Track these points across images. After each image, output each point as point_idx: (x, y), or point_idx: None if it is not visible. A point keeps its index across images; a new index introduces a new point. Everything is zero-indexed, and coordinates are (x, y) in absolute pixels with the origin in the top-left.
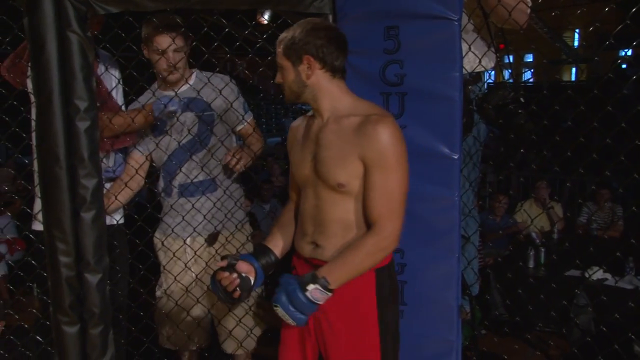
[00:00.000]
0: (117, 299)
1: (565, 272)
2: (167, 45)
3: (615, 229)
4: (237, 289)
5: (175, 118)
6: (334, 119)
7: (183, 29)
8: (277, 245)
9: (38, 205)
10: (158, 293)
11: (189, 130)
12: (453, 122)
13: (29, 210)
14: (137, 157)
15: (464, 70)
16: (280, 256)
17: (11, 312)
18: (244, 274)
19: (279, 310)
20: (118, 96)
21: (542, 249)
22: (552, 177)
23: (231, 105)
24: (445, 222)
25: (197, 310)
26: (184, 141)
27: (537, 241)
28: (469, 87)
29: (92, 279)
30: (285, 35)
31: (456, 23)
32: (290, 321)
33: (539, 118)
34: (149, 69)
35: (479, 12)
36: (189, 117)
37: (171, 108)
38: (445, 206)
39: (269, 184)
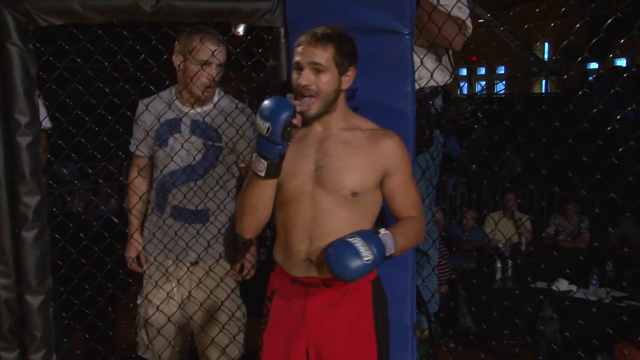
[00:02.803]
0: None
1: (532, 284)
2: (213, 58)
3: (581, 240)
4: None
5: (178, 142)
6: (338, 131)
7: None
8: None
9: None
10: (139, 300)
11: (193, 157)
12: (405, 137)
13: None
14: (141, 162)
15: (417, 85)
16: None
17: None
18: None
19: (353, 241)
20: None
21: (510, 261)
22: (522, 189)
23: (248, 140)
24: None
25: (180, 320)
26: (183, 164)
27: (505, 253)
28: (429, 102)
29: (34, 301)
30: (334, 35)
31: (407, 37)
32: (359, 261)
33: (503, 130)
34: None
35: (430, 26)
36: (195, 143)
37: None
38: None
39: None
